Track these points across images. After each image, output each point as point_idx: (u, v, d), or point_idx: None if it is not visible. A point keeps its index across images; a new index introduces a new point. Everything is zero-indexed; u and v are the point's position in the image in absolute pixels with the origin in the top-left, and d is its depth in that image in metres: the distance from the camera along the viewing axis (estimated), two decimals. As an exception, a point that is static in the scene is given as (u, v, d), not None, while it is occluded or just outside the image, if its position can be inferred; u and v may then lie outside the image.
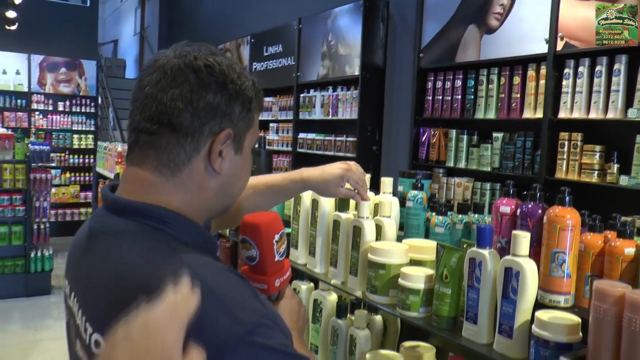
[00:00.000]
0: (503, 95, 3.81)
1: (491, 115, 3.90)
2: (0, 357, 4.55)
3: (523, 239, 1.28)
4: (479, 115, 3.96)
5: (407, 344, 1.90)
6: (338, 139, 5.66)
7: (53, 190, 7.52)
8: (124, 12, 15.10)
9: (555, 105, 3.50)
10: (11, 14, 8.19)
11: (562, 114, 3.46)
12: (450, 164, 4.19)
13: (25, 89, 9.77)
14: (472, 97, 4.02)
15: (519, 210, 1.52)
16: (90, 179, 9.63)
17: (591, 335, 1.10)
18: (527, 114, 3.65)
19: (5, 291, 6.02)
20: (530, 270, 1.26)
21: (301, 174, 1.54)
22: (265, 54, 7.02)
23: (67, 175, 9.81)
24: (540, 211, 1.48)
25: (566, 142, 3.43)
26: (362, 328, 1.90)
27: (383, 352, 1.88)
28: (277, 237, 1.11)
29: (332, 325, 1.98)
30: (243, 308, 0.84)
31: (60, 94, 10.01)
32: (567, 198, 1.42)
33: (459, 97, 4.12)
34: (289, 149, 6.40)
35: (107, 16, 15.36)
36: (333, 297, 2.07)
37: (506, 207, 1.56)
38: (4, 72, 9.62)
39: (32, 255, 6.22)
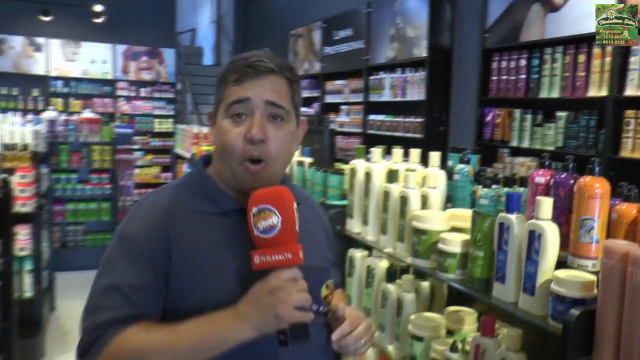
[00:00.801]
0: (567, 74, 3.78)
1: (555, 94, 3.88)
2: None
3: (545, 204, 1.38)
4: (543, 94, 3.95)
5: (451, 308, 2.02)
6: (406, 120, 5.75)
7: (136, 171, 8.03)
8: (201, 2, 15.57)
9: (621, 82, 3.45)
10: (98, 8, 8.73)
11: (629, 92, 3.42)
12: (514, 143, 4.20)
13: (111, 77, 10.39)
14: (537, 76, 4.01)
15: (552, 181, 1.61)
16: (170, 161, 10.18)
17: (600, 289, 1.20)
18: (592, 92, 3.62)
19: (95, 262, 6.47)
20: (551, 233, 1.36)
21: None
22: (336, 38, 7.16)
23: (149, 157, 10.38)
24: (572, 181, 1.56)
25: (632, 120, 3.39)
26: (408, 292, 2.04)
27: (426, 314, 2.01)
28: (295, 205, 1.13)
29: (382, 289, 2.13)
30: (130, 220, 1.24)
31: (142, 81, 10.58)
32: (597, 168, 1.50)
33: (524, 76, 4.12)
34: (359, 130, 6.54)
35: (185, 6, 15.90)
36: (384, 264, 2.21)
37: (541, 177, 1.65)
38: (93, 62, 10.27)
39: (109, 256, 6.68)
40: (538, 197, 1.40)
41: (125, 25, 10.29)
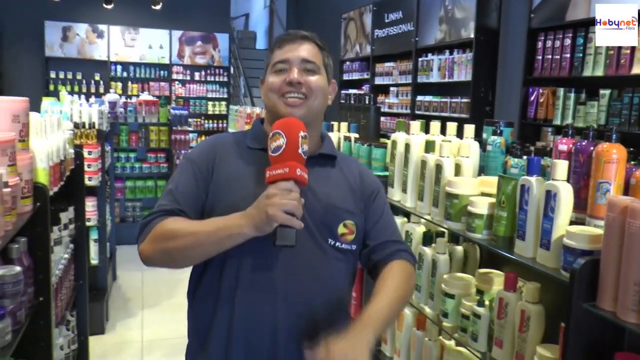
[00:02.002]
0: (612, 52, 3.80)
1: (599, 72, 3.91)
2: (150, 290, 5.32)
3: (560, 165, 1.52)
4: (587, 72, 3.99)
5: (482, 270, 2.17)
6: (453, 100, 5.84)
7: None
8: (254, -13, 15.83)
9: (666, 60, 3.47)
10: (157, -6, 9.05)
11: (673, 69, 3.43)
12: (557, 122, 4.26)
13: (167, 62, 10.75)
14: (581, 55, 4.04)
15: (573, 148, 1.74)
16: (223, 142, 10.48)
17: (604, 240, 1.34)
18: (637, 69, 3.64)
19: (153, 238, 6.87)
20: (565, 192, 1.50)
21: None
22: (386, 20, 7.25)
23: (203, 138, 10.73)
24: (591, 148, 1.68)
25: (676, 98, 3.41)
26: (442, 253, 2.20)
27: (458, 274, 2.17)
28: (302, 133, 1.36)
29: (419, 252, 2.29)
30: (194, 148, 1.64)
31: (196, 65, 10.91)
32: (614, 135, 1.62)
33: (568, 55, 4.16)
34: (408, 111, 6.66)
35: (239, -9, 16.19)
36: (421, 229, 2.37)
37: (564, 145, 1.78)
38: (150, 47, 10.64)
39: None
40: (554, 160, 1.54)
41: (181, 11, 10.60)
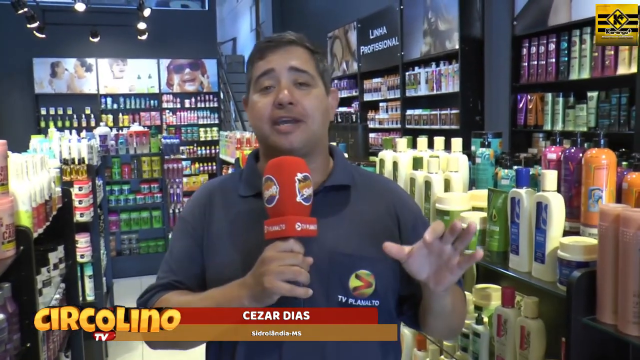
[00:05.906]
0: (596, 54, 3.79)
1: (585, 75, 3.89)
2: (149, 323, 5.24)
3: (549, 176, 1.48)
4: (573, 76, 3.97)
5: (479, 286, 2.12)
6: (442, 112, 5.82)
7: (184, 180, 8.31)
8: (240, 11, 15.92)
9: (651, 58, 3.45)
10: (142, 25, 9.05)
11: (659, 67, 3.41)
12: (548, 127, 4.23)
13: (156, 91, 10.76)
14: (566, 58, 4.03)
15: (562, 156, 1.70)
16: (216, 168, 10.49)
17: (599, 251, 1.29)
18: (622, 70, 3.62)
19: (149, 269, 6.75)
20: (555, 202, 1.46)
21: None
22: (371, 37, 7.27)
23: (196, 165, 10.70)
24: (580, 155, 1.65)
25: (664, 96, 3.39)
26: (437, 272, 2.15)
27: (455, 291, 2.11)
28: (299, 175, 1.08)
29: (413, 271, 2.24)
30: (186, 204, 1.38)
31: (186, 92, 10.92)
32: (602, 140, 1.59)
33: (553, 60, 4.15)
34: (398, 126, 6.64)
35: (225, 16, 16.28)
36: (414, 248, 2.32)
37: (552, 154, 1.74)
38: (139, 78, 10.66)
39: (170, 236, 6.95)
40: (543, 170, 1.50)
41: (167, 40, 10.63)
